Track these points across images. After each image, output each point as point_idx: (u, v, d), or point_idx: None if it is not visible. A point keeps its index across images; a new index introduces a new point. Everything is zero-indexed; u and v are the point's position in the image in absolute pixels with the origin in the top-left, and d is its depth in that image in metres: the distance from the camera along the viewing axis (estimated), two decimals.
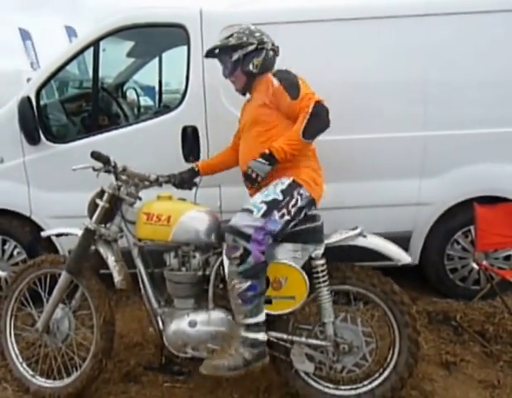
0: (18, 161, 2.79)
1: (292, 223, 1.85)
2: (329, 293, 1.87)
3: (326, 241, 1.88)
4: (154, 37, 3.12)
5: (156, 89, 4.09)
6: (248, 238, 1.76)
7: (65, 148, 2.75)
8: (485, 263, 2.68)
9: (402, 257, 1.92)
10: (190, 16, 2.60)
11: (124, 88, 3.79)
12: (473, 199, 2.63)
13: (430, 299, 2.88)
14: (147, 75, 4.05)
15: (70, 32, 11.85)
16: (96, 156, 1.89)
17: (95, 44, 2.66)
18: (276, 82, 1.88)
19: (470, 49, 2.56)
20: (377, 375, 1.97)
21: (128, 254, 2.03)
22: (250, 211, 1.80)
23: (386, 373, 1.95)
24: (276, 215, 1.80)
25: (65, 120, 3.04)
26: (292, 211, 1.83)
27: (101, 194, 1.98)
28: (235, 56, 1.96)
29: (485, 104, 2.61)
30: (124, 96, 3.77)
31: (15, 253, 2.97)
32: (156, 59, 3.75)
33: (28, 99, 2.63)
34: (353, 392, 1.97)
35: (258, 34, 1.99)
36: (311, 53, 2.57)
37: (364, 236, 1.91)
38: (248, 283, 1.78)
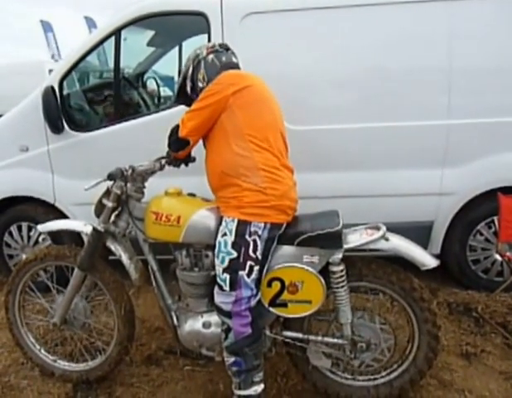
0: (42, 149, 2.86)
1: (268, 259, 1.75)
2: (347, 296, 1.80)
3: (345, 246, 1.76)
4: (174, 26, 3.14)
5: (176, 78, 4.11)
6: (229, 314, 1.72)
7: (88, 136, 2.80)
8: (508, 254, 2.63)
9: (427, 261, 1.79)
10: (210, 3, 2.60)
11: (145, 77, 3.83)
12: (497, 189, 2.58)
13: (451, 290, 2.84)
14: (168, 64, 4.06)
15: (90, 23, 12.00)
16: (112, 177, 1.80)
17: (117, 33, 2.68)
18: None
19: (495, 35, 2.49)
20: (395, 366, 1.95)
21: (136, 241, 1.99)
22: (220, 286, 1.73)
23: (405, 366, 1.93)
24: (243, 276, 1.69)
25: (88, 109, 3.09)
26: (257, 254, 1.70)
27: (107, 194, 1.91)
28: (188, 89, 1.91)
29: (510, 92, 2.54)
30: (145, 86, 3.81)
31: (40, 239, 3.06)
32: (177, 48, 3.77)
33: (52, 88, 2.69)
34: (371, 383, 1.96)
35: (192, 54, 1.91)
36: (332, 39, 2.55)
37: (387, 239, 1.78)
38: (233, 358, 1.76)
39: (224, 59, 1.87)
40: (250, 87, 1.73)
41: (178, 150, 1.87)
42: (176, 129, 1.81)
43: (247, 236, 1.69)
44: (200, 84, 1.85)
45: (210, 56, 1.86)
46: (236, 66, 1.90)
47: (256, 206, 1.70)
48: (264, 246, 1.72)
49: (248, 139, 1.71)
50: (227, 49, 1.93)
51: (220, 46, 1.92)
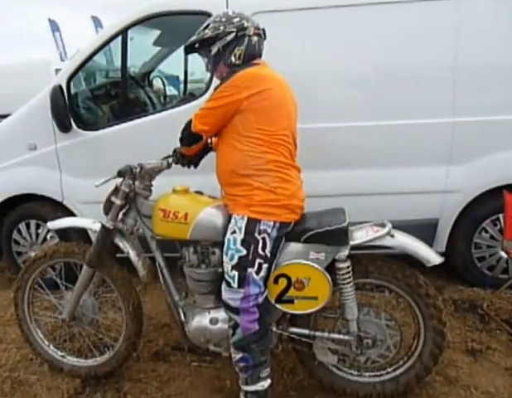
0: (50, 148, 2.89)
1: (276, 257, 1.77)
2: (353, 292, 1.82)
3: (351, 242, 1.77)
4: (180, 25, 3.15)
5: (182, 77, 4.13)
6: (236, 310, 1.73)
7: (96, 135, 2.83)
8: None
9: (431, 258, 1.80)
10: (216, 3, 2.61)
11: (151, 76, 3.85)
12: (502, 187, 2.58)
13: (456, 287, 2.85)
14: (173, 64, 4.08)
15: (97, 23, 12.06)
16: (121, 174, 1.84)
17: (123, 33, 2.70)
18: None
19: (500, 32, 2.49)
20: (401, 362, 1.96)
21: (144, 238, 2.01)
22: (228, 283, 1.74)
23: (411, 362, 1.94)
24: (252, 273, 1.70)
25: (95, 108, 3.11)
26: (266, 252, 1.71)
27: (116, 192, 1.94)
28: (214, 49, 1.76)
29: None
30: (151, 84, 3.83)
31: (48, 237, 3.09)
32: (182, 47, 3.79)
33: (60, 87, 2.72)
34: (377, 379, 1.97)
35: (237, 19, 1.75)
36: (339, 38, 2.56)
37: (392, 236, 1.80)
38: (240, 354, 1.77)
39: (261, 47, 1.83)
40: (267, 91, 1.68)
41: (191, 144, 1.86)
42: (189, 124, 1.81)
43: (256, 234, 1.70)
44: (233, 59, 1.76)
45: (255, 39, 1.78)
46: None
47: (266, 205, 1.71)
48: (273, 244, 1.74)
49: (259, 143, 1.71)
50: (265, 37, 1.86)
51: (263, 31, 1.84)
